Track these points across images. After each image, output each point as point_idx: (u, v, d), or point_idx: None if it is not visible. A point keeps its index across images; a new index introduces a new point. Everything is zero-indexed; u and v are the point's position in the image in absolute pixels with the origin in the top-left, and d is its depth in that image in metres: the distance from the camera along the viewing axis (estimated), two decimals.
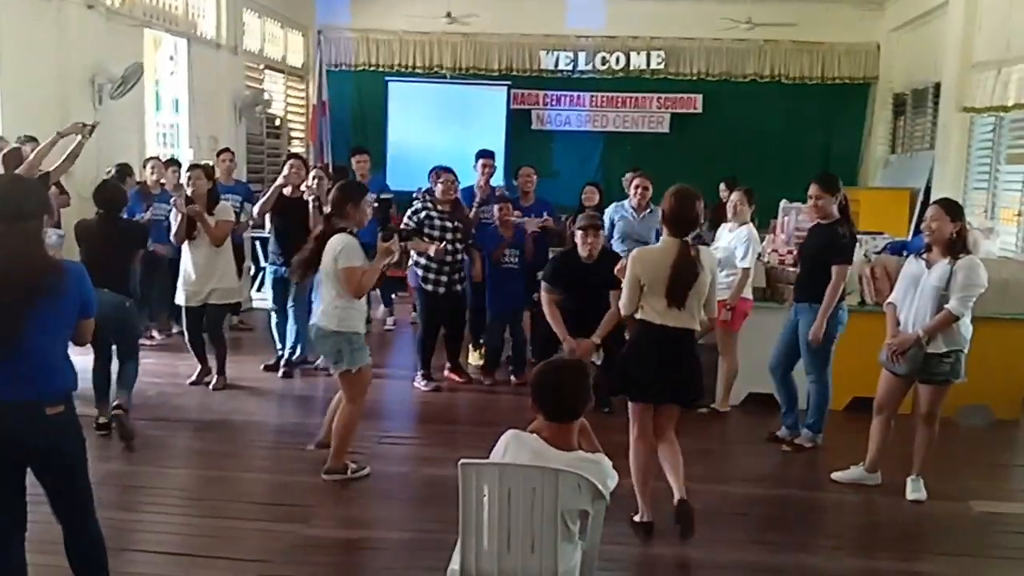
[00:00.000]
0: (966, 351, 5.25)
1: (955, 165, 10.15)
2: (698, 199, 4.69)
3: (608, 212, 8.01)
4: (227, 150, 9.62)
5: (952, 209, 5.24)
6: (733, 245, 6.80)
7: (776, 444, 6.35)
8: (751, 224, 6.89)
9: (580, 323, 6.45)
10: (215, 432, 6.43)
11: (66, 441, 3.35)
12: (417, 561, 4.41)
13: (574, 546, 3.17)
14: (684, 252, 4.54)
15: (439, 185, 7.45)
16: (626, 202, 7.99)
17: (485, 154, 8.64)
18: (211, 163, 8.79)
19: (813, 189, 6.05)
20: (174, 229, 7.18)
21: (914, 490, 5.41)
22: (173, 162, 9.41)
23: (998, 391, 6.85)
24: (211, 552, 4.48)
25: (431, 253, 7.25)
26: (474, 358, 8.24)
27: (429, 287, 7.38)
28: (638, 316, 4.69)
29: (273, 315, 8.05)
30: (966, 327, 5.23)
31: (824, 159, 13.64)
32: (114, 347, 6.19)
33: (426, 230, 7.35)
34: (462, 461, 3.03)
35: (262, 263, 11.73)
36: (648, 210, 7.81)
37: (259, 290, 11.65)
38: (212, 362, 7.43)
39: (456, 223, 7.42)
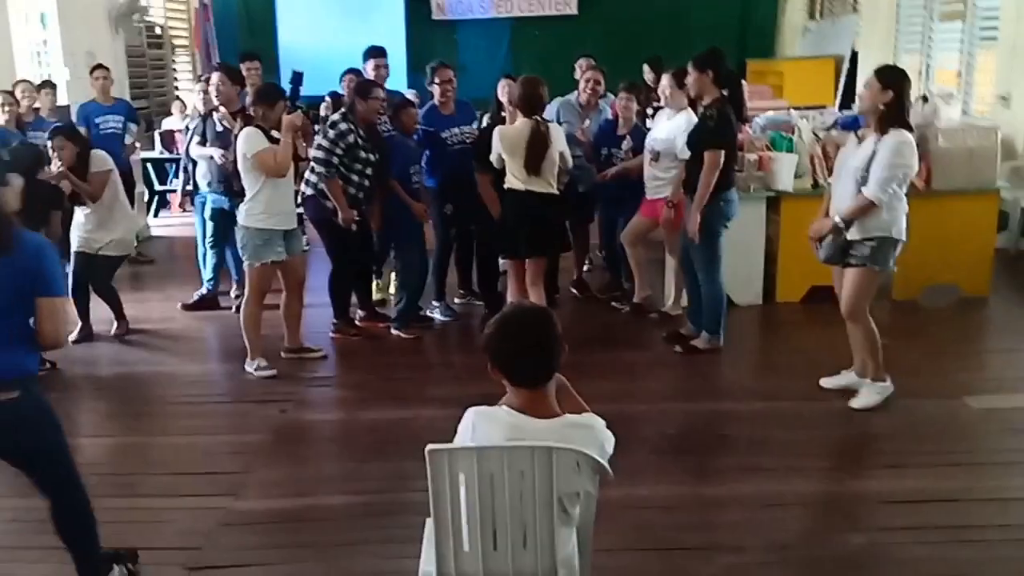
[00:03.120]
0: (902, 239, 4.59)
1: (883, 27, 9.70)
2: (542, 84, 5.62)
3: (553, 107, 6.80)
4: (100, 66, 8.66)
5: (886, 75, 4.53)
6: (673, 135, 6.07)
7: (679, 343, 5.84)
8: (690, 110, 6.08)
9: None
10: (121, 389, 5.79)
11: (22, 431, 3.09)
12: (368, 531, 3.83)
13: (570, 529, 2.60)
14: (536, 129, 5.44)
15: (368, 102, 5.98)
16: (572, 96, 6.97)
17: (376, 51, 6.97)
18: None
19: (688, 67, 5.49)
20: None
21: (862, 396, 4.81)
22: (47, 84, 8.52)
23: (965, 268, 6.44)
24: (127, 541, 3.69)
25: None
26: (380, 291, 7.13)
27: (340, 220, 6.03)
28: (506, 186, 5.61)
29: (209, 251, 7.04)
30: (895, 211, 4.56)
31: (740, 30, 13.15)
32: None
33: (344, 168, 5.95)
34: (429, 447, 2.37)
35: (156, 187, 10.94)
36: (598, 110, 6.93)
37: (156, 216, 10.89)
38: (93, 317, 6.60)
39: (376, 155, 6.08)
